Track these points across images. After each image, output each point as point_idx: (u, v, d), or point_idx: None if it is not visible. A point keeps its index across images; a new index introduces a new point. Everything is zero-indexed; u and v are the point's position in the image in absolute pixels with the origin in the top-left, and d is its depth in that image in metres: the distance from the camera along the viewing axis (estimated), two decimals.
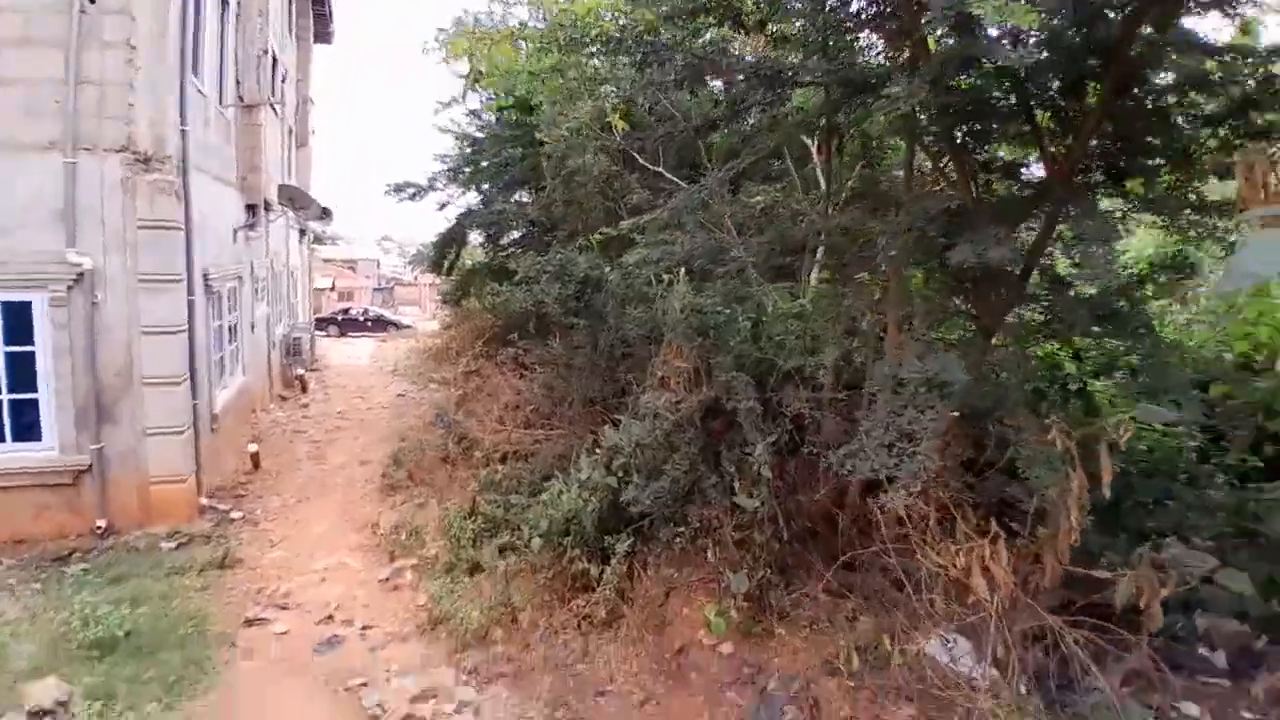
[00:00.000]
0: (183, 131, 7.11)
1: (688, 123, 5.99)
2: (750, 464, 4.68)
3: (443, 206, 11.62)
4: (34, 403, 6.62)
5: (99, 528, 6.84)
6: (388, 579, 6.09)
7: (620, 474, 4.99)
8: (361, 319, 30.77)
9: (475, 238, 13.66)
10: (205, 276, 8.12)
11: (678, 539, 4.99)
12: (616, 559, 4.96)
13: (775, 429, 4.83)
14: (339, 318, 30.61)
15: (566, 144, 7.35)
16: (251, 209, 10.68)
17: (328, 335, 28.08)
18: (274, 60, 12.03)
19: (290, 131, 17.65)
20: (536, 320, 7.74)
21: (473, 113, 9.36)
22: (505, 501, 6.12)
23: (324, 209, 19.34)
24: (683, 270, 6.36)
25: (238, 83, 10.10)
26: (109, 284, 6.66)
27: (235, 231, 9.94)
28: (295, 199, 13.12)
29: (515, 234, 13.38)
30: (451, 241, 11.65)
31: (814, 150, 6.95)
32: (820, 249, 6.44)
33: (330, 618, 5.54)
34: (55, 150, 6.34)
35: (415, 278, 56.50)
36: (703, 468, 5.03)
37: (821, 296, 5.80)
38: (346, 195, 59.20)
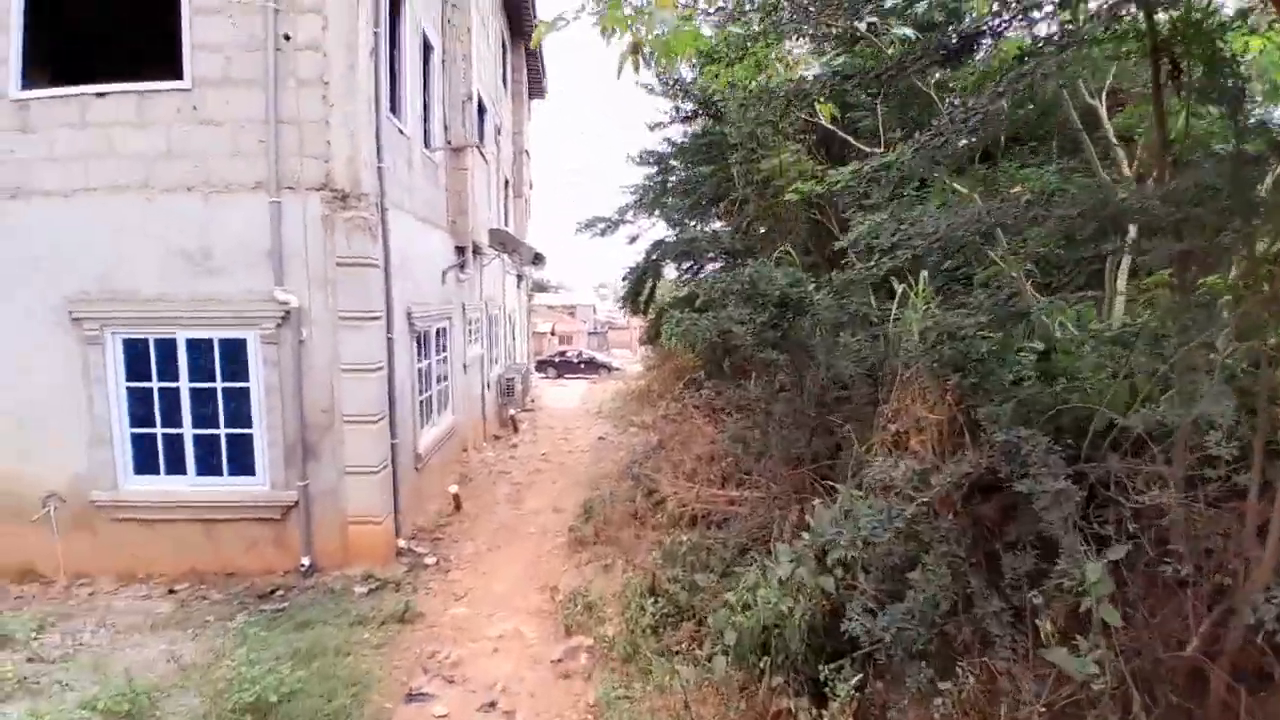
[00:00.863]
0: (379, 169, 7.15)
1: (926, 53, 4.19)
2: (1067, 590, 2.91)
3: (633, 240, 11.06)
4: (248, 438, 6.85)
5: (303, 565, 6.85)
6: (560, 660, 5.13)
7: (839, 574, 3.47)
8: (576, 361, 32.03)
9: (670, 272, 12.94)
10: (409, 315, 8.15)
11: (940, 697, 3.15)
12: (839, 702, 3.35)
13: (1115, 533, 2.99)
14: (556, 360, 32.17)
15: (757, 141, 6.14)
16: (460, 251, 10.94)
17: (546, 377, 29.53)
18: (481, 107, 12.54)
19: (506, 183, 18.71)
20: (727, 356, 6.55)
21: (657, 125, 8.64)
22: (689, 580, 4.89)
23: (536, 254, 20.20)
24: (924, 275, 4.75)
25: (445, 128, 10.46)
26: (313, 321, 6.75)
27: (444, 273, 10.15)
28: (506, 243, 13.49)
29: (712, 266, 12.46)
30: (645, 276, 11.00)
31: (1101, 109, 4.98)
32: (1130, 240, 4.44)
33: (493, 704, 4.69)
34: (262, 190, 6.59)
35: (627, 321, 58.96)
36: (972, 580, 3.30)
37: (1165, 311, 3.82)
38: (566, 245, 63.58)
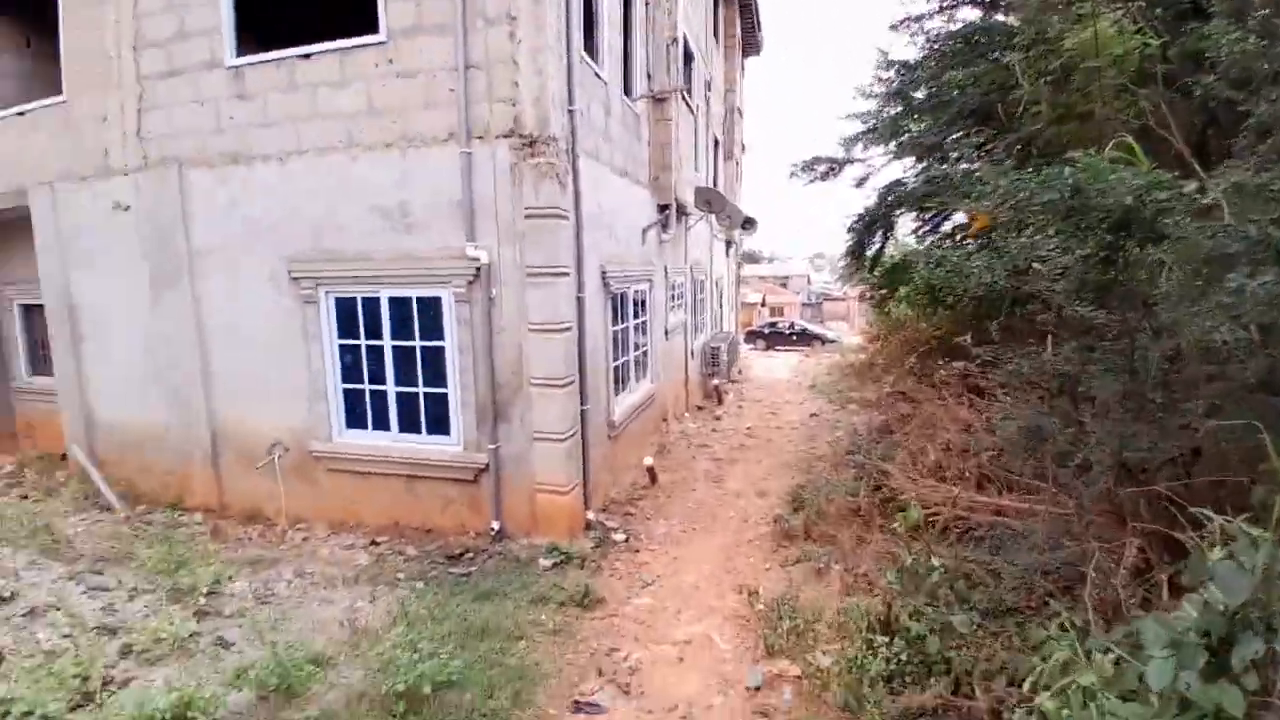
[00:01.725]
0: (570, 112, 6.45)
1: None
2: None
3: (861, 181, 9.23)
4: (443, 398, 6.65)
5: (493, 529, 6.54)
6: (757, 690, 4.03)
7: (1254, 685, 1.87)
8: (787, 332, 30.28)
9: (907, 225, 10.86)
10: (603, 274, 7.48)
11: None
12: None
13: None
14: (766, 331, 30.70)
15: (1055, 13, 4.26)
16: (663, 209, 10.12)
17: (755, 348, 28.27)
18: (688, 55, 11.52)
19: (716, 143, 17.61)
20: (1014, 309, 4.78)
21: (904, 22, 6.77)
22: (941, 620, 3.47)
23: (747, 218, 18.86)
24: None
25: (648, 76, 9.61)
26: (503, 279, 6.30)
27: (644, 232, 9.40)
28: (713, 202, 12.44)
29: (962, 215, 10.18)
30: (873, 225, 9.19)
31: None
32: None
33: None
34: (453, 141, 6.21)
35: (844, 292, 55.09)
36: None
37: None
38: (782, 212, 61.18)
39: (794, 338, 29.65)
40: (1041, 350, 3.81)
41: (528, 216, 6.13)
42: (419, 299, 6.54)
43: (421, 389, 6.70)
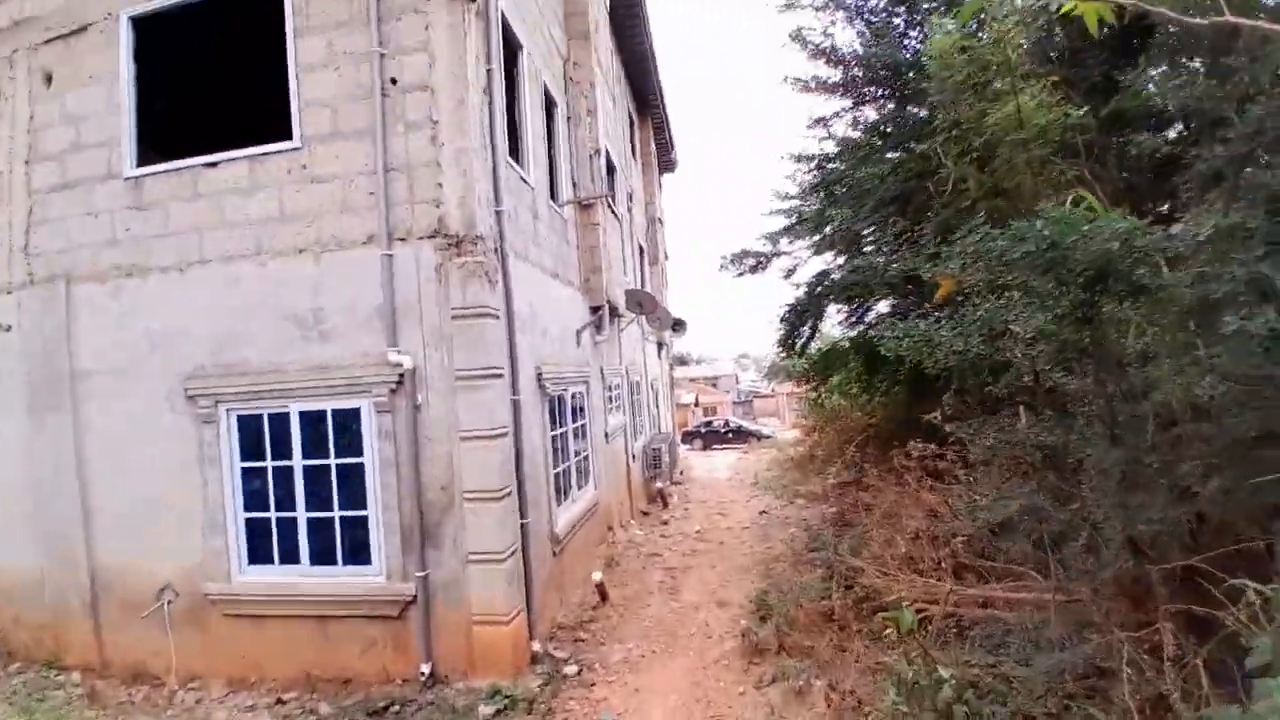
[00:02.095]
0: (498, 213, 6.23)
1: None
2: None
3: (790, 272, 9.41)
4: (362, 521, 5.86)
5: (423, 674, 5.60)
6: None
7: None
8: (723, 431, 30.24)
9: (833, 316, 11.09)
10: (539, 376, 7.06)
11: None
12: None
13: None
14: (702, 430, 30.56)
15: (975, 94, 4.43)
16: (595, 310, 9.93)
17: (692, 448, 27.94)
18: (610, 166, 11.82)
19: (641, 250, 18.01)
20: (959, 387, 4.63)
21: (819, 121, 7.09)
22: None
23: (676, 320, 19.13)
24: None
25: (574, 184, 9.69)
26: (430, 384, 5.77)
27: (578, 334, 9.12)
28: (644, 303, 12.43)
29: (884, 306, 10.48)
30: (804, 315, 9.29)
31: None
32: None
33: None
34: (373, 244, 5.83)
35: (772, 389, 56.36)
36: None
37: None
38: (704, 316, 63.22)
39: (730, 435, 29.60)
40: (1015, 422, 3.59)
41: (455, 318, 5.71)
42: (335, 411, 5.88)
43: (338, 513, 5.90)
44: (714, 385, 53.28)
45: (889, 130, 6.25)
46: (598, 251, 9.87)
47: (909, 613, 3.42)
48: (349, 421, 5.85)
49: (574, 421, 8.72)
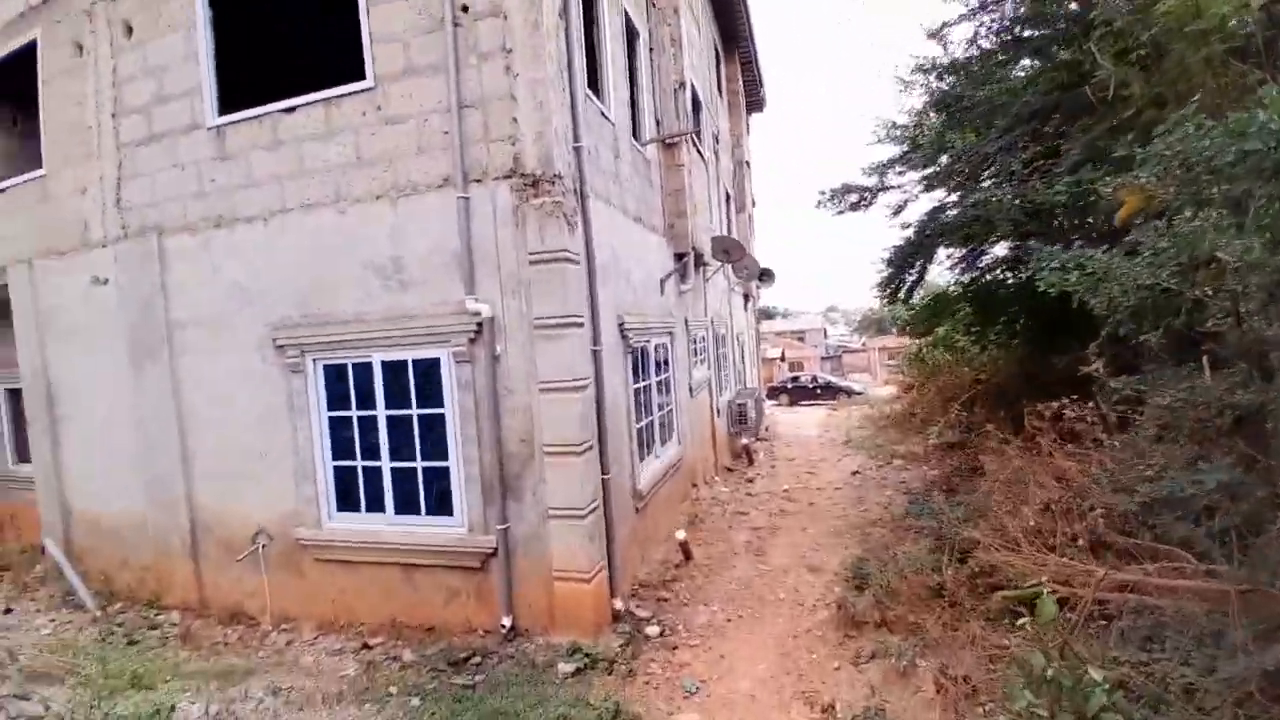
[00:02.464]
0: (576, 149, 5.79)
1: None
2: None
3: (898, 210, 8.46)
4: (444, 472, 5.75)
5: (504, 626, 5.51)
6: None
7: None
8: (811, 386, 29.20)
9: (941, 262, 10.03)
10: (621, 326, 6.68)
11: None
12: None
13: None
14: (789, 386, 29.64)
15: None
16: (680, 258, 9.40)
17: (778, 404, 27.18)
18: (695, 102, 11.06)
19: (728, 197, 17.15)
20: (1115, 331, 3.82)
21: (938, 33, 6.09)
22: None
23: (764, 270, 18.23)
24: None
25: (657, 122, 9.08)
26: (508, 334, 5.50)
27: (662, 282, 8.65)
28: (731, 251, 11.76)
29: (1001, 249, 9.34)
30: (911, 257, 8.38)
31: None
32: None
33: None
34: (449, 186, 5.54)
35: (863, 344, 54.07)
36: None
37: None
38: (792, 268, 61.08)
39: (818, 392, 28.56)
40: (1198, 378, 2.88)
41: (533, 263, 5.38)
42: (416, 361, 5.74)
43: (420, 463, 5.82)
44: (800, 340, 51.66)
45: (1026, 34, 5.27)
46: (683, 195, 9.28)
47: (1050, 601, 2.84)
48: (430, 371, 5.69)
49: (657, 375, 8.34)
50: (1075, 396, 6.10)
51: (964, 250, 8.41)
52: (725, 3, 15.51)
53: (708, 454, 11.38)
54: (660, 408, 8.36)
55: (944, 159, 7.06)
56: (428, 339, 5.64)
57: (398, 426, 5.90)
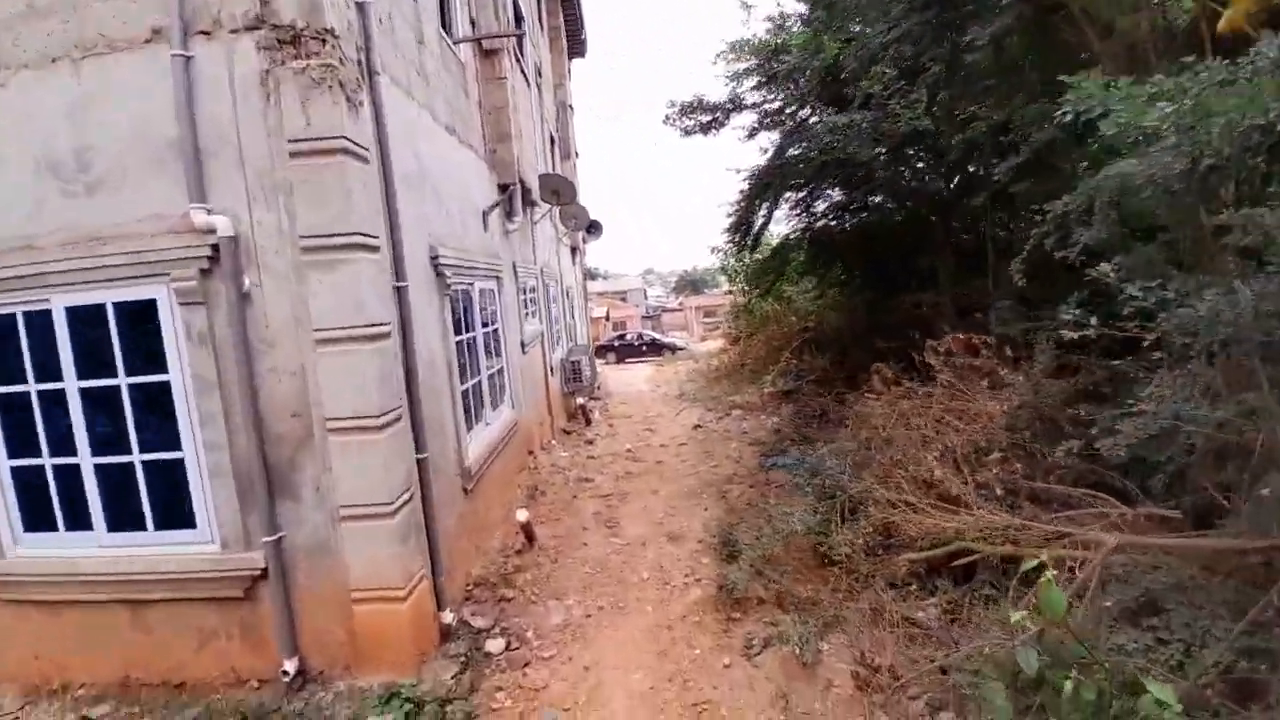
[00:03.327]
0: (359, 4, 4.07)
1: None
2: None
3: (753, 133, 7.64)
4: (177, 467, 3.90)
5: (287, 673, 3.87)
6: None
7: None
8: (637, 344, 28.92)
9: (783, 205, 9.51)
10: (434, 260, 5.11)
11: None
12: None
13: None
14: (615, 344, 29.11)
15: None
16: (504, 190, 7.85)
17: (606, 363, 26.51)
18: (518, 16, 9.40)
19: (552, 140, 15.62)
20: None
21: None
22: None
23: (593, 221, 17.09)
24: None
25: (472, 23, 7.37)
26: (262, 261, 3.74)
27: (486, 215, 7.08)
28: (561, 191, 10.36)
29: (839, 192, 8.98)
30: (761, 194, 7.66)
31: None
32: None
33: None
34: (160, 41, 3.60)
35: (680, 303, 55.56)
36: None
37: None
38: (611, 230, 61.02)
39: (644, 349, 28.35)
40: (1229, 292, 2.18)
41: (296, 154, 3.64)
42: (118, 306, 3.76)
43: (138, 456, 3.90)
44: (623, 300, 51.75)
45: None
46: (506, 115, 7.71)
47: (1058, 593, 2.05)
48: (142, 320, 3.76)
49: (485, 327, 6.85)
50: (920, 336, 5.80)
51: (802, 194, 7.90)
52: None
53: (544, 416, 10.10)
54: (489, 366, 6.90)
55: (815, 63, 6.26)
56: (135, 272, 3.69)
57: (102, 406, 3.90)
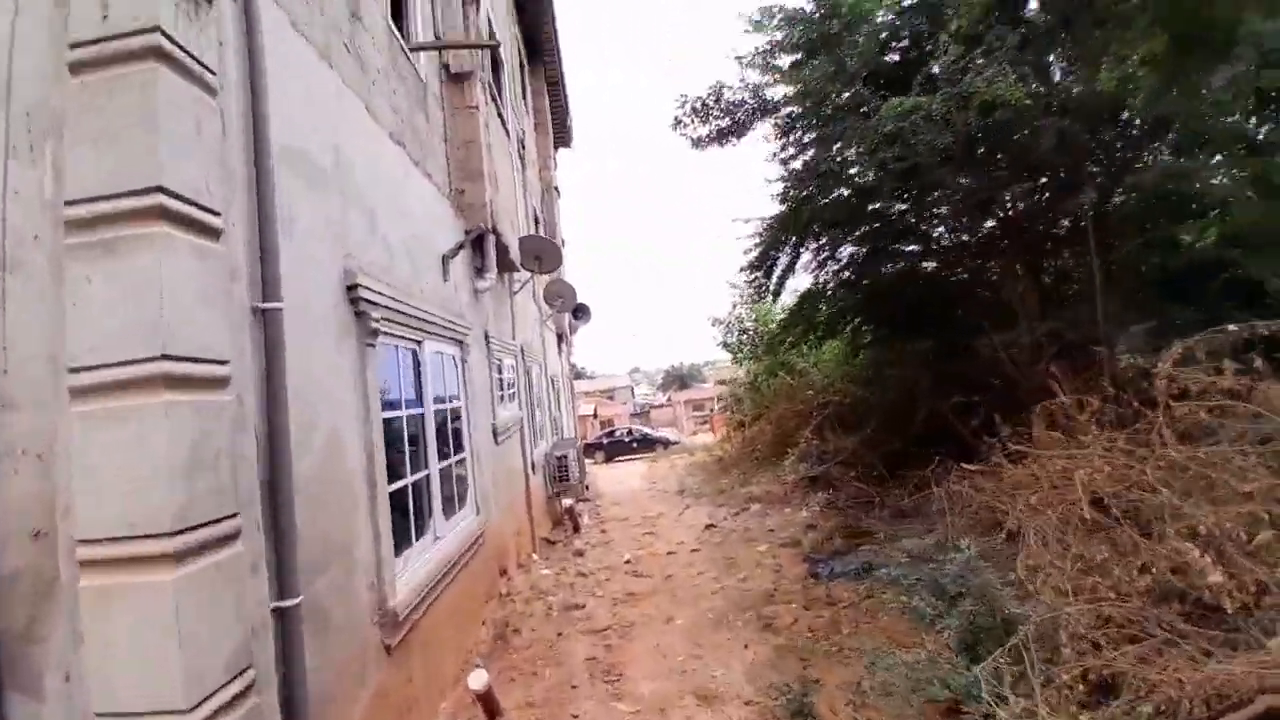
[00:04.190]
0: None
1: None
2: None
3: (788, 130, 6.21)
4: None
5: None
6: None
7: None
8: (627, 440, 26.96)
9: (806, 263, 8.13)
10: (351, 289, 3.44)
11: None
12: None
13: None
14: (604, 442, 27.11)
15: None
16: (470, 237, 6.31)
17: (594, 462, 24.46)
18: (495, 62, 8.31)
19: (537, 219, 14.49)
20: None
21: None
22: None
23: (581, 304, 15.76)
24: None
25: (436, 35, 6.12)
26: (13, 255, 2.04)
27: (446, 260, 5.50)
28: (544, 257, 8.90)
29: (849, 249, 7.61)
30: (790, 224, 6.16)
31: None
32: None
33: None
34: None
35: (668, 399, 54.00)
36: None
37: None
38: (595, 330, 60.64)
39: (634, 445, 26.38)
40: None
41: (80, 66, 2.03)
42: None
43: None
44: (610, 398, 50.16)
45: None
46: (477, 150, 6.33)
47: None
48: None
49: (440, 403, 5.09)
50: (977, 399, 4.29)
51: (839, 228, 6.53)
52: (532, 11, 13.22)
53: (522, 523, 8.11)
54: (443, 456, 5.06)
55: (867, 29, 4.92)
56: None
57: None
